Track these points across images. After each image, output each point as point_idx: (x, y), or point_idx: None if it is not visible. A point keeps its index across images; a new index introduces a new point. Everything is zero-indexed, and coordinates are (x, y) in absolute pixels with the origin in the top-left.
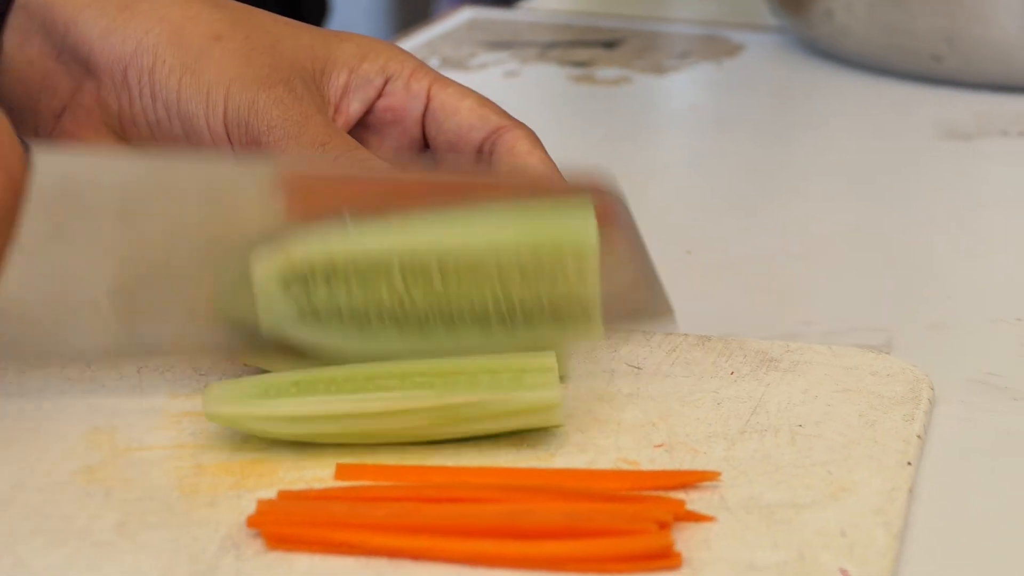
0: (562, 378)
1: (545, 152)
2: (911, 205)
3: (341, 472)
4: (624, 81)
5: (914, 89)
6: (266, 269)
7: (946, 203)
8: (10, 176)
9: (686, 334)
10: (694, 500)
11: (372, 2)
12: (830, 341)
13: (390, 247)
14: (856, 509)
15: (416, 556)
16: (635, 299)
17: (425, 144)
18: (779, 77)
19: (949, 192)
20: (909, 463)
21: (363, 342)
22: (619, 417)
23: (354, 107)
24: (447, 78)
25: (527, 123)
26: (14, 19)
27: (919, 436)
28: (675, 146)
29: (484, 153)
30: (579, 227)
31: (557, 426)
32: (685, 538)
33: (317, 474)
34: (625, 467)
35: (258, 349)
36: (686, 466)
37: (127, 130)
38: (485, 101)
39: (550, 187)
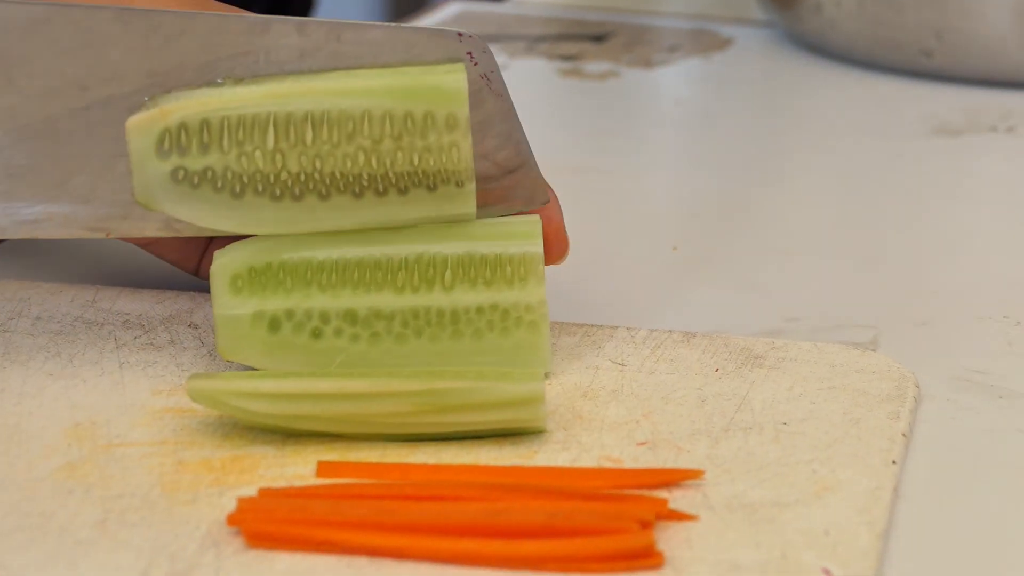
0: (546, 375)
1: None
2: (899, 201)
3: (322, 469)
4: (612, 75)
5: (903, 84)
6: (140, 126)
7: (934, 199)
8: None
9: (671, 331)
10: (677, 498)
11: None
12: (816, 338)
13: (262, 100)
14: (840, 508)
15: (397, 555)
16: (503, 166)
17: None
18: (768, 72)
19: (937, 188)
20: (894, 462)
21: (237, 213)
22: (602, 414)
23: None
24: None
25: None
26: None
27: (904, 434)
28: (662, 141)
29: None
30: (448, 79)
31: (540, 430)
32: (667, 537)
33: (298, 471)
34: (608, 465)
35: (134, 223)
36: (669, 464)
37: None
38: None
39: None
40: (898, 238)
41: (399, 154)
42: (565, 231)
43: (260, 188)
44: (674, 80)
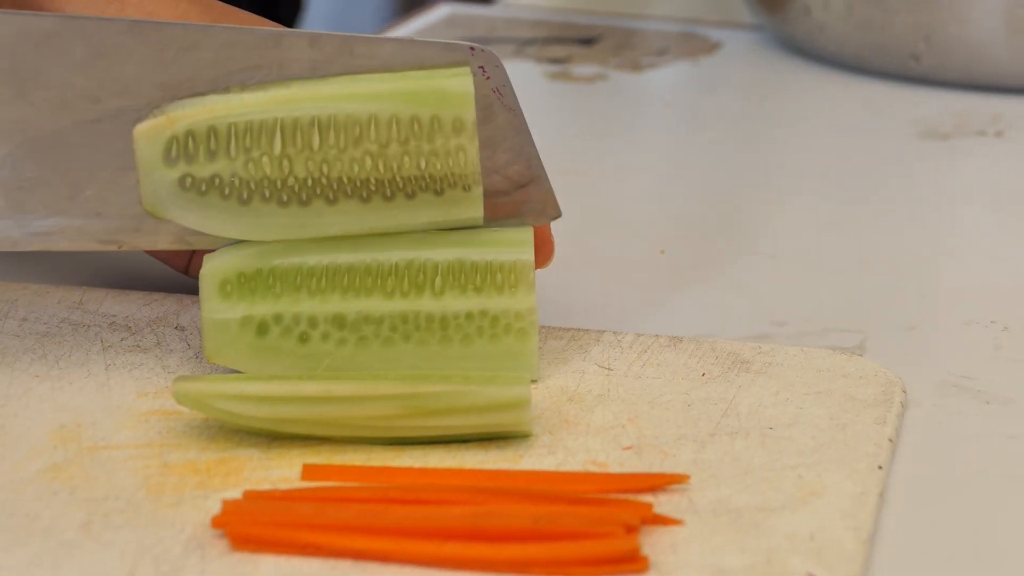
0: (532, 380)
1: None
2: (887, 205)
3: (308, 472)
4: (600, 78)
5: (891, 88)
6: (147, 134)
7: (922, 203)
8: None
9: (657, 335)
10: (662, 503)
11: None
12: (803, 342)
13: (269, 105)
14: (825, 513)
15: (382, 558)
16: (514, 180)
17: None
18: (756, 75)
19: (925, 192)
20: (880, 467)
21: (245, 219)
22: (588, 419)
23: None
24: None
25: None
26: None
27: (890, 439)
28: (651, 144)
29: None
30: (454, 82)
31: (526, 434)
32: (652, 542)
33: (284, 474)
34: (594, 469)
35: (146, 236)
36: (655, 468)
37: None
38: None
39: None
40: (885, 242)
41: (406, 158)
42: (551, 234)
43: (267, 194)
44: (662, 83)
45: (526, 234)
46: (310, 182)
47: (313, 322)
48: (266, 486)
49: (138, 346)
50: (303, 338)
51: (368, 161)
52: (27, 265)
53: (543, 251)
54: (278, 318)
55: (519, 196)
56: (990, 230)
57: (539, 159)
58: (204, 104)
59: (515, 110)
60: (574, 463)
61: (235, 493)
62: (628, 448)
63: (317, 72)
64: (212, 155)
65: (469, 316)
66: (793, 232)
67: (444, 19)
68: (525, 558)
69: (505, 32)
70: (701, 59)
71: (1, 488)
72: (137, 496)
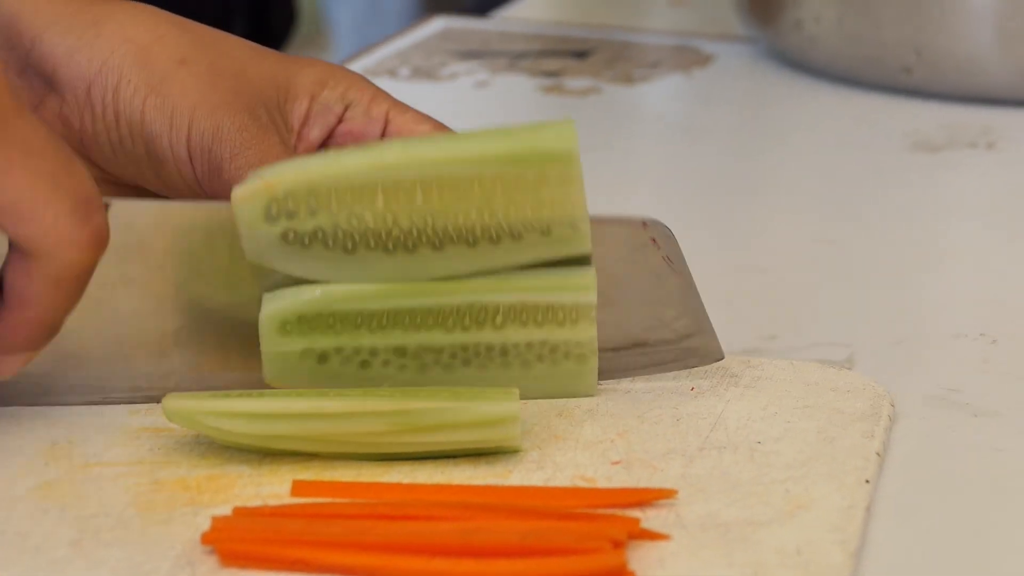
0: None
1: None
2: (877, 218)
3: (297, 489)
4: (594, 91)
5: (883, 100)
6: (246, 198)
7: (912, 216)
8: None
9: None
10: (650, 518)
11: None
12: (792, 356)
13: (369, 167)
14: (813, 527)
15: (371, 573)
16: (681, 332)
17: None
18: (749, 88)
19: (916, 205)
20: (867, 481)
21: (350, 267)
22: (577, 434)
23: (315, 133)
24: (405, 104)
25: None
26: None
27: (878, 453)
28: (643, 157)
29: None
30: (559, 136)
31: (515, 450)
32: (639, 556)
33: (273, 490)
34: (582, 484)
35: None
36: (643, 483)
37: (88, 148)
38: (441, 126)
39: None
40: (875, 255)
41: (511, 209)
42: None
43: (372, 243)
44: (656, 96)
45: (589, 277)
46: (415, 232)
47: (374, 352)
48: (256, 502)
49: None
50: (364, 365)
51: (473, 212)
52: None
53: None
54: (339, 349)
55: (684, 345)
56: (980, 242)
57: (704, 312)
58: (301, 167)
59: (684, 273)
60: (563, 478)
61: (225, 509)
62: (616, 463)
63: None
64: (313, 212)
65: (529, 345)
66: (782, 245)
67: (439, 32)
68: (513, 573)
69: (499, 45)
70: (694, 72)
71: None
72: (127, 513)
